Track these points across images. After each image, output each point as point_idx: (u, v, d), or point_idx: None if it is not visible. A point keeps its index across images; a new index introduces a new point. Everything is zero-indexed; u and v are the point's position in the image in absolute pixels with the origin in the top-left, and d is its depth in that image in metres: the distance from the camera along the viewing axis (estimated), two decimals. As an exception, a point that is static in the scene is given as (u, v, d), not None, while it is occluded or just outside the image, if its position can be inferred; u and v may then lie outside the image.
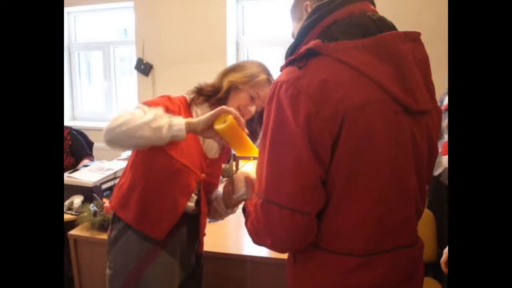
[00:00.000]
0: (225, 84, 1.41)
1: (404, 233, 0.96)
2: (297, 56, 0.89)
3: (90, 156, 2.79)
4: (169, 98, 1.39)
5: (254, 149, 1.29)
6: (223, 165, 1.57)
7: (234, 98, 1.40)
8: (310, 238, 0.92)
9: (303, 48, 0.89)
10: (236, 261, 1.75)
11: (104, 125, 1.25)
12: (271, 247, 0.96)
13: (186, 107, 1.41)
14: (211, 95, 1.42)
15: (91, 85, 4.43)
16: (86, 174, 2.24)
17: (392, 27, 0.94)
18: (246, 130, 1.28)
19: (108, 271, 1.43)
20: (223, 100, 1.40)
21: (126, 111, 1.28)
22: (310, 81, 0.84)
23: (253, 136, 1.44)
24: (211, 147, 1.46)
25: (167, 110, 1.31)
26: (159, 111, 1.28)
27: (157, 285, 1.39)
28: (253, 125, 1.48)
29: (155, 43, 3.52)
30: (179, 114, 1.33)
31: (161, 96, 1.38)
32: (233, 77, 1.40)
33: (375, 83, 0.85)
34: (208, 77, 3.53)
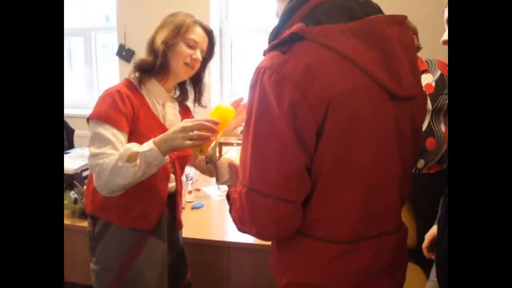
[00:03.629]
0: (158, 48, 1.36)
1: (389, 220, 0.96)
2: (280, 41, 0.86)
3: None
4: (118, 93, 1.30)
5: None
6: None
7: (175, 57, 1.37)
8: (296, 226, 0.91)
9: (287, 32, 0.85)
10: (219, 248, 1.76)
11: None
12: (256, 235, 0.95)
13: (135, 92, 1.36)
14: (152, 67, 1.37)
15: (72, 71, 4.34)
16: (66, 161, 2.21)
17: (378, 9, 0.92)
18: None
19: (94, 267, 1.39)
20: (166, 65, 1.37)
21: (97, 164, 1.22)
22: (294, 66, 0.82)
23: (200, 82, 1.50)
24: (173, 124, 1.40)
25: (126, 117, 1.28)
26: (128, 149, 1.21)
27: (149, 272, 1.38)
28: (201, 73, 1.50)
29: (137, 29, 3.46)
30: (133, 109, 1.31)
31: (109, 95, 1.30)
32: (162, 38, 1.36)
33: (361, 69, 0.84)
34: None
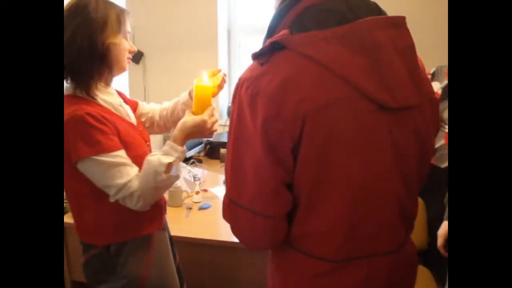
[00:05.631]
0: (104, 52, 1.22)
1: (384, 239, 0.90)
2: (261, 50, 0.82)
3: None
4: (89, 116, 1.17)
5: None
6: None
7: (120, 55, 1.27)
8: (277, 239, 0.90)
9: (268, 41, 0.81)
10: (227, 248, 1.76)
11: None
12: (243, 244, 0.95)
13: (95, 106, 1.23)
14: (97, 74, 1.25)
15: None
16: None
17: (374, 10, 0.84)
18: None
19: (115, 284, 1.31)
20: (111, 66, 1.27)
21: (132, 192, 1.19)
22: (270, 80, 0.78)
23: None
24: (133, 118, 1.40)
25: (114, 135, 1.21)
26: (162, 164, 1.21)
27: (166, 266, 1.39)
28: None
29: (146, 30, 3.48)
30: (110, 122, 1.22)
31: (81, 123, 1.16)
32: (107, 39, 1.22)
33: (344, 80, 0.77)
34: (199, 64, 3.50)
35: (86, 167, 1.19)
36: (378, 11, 0.85)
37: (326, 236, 0.86)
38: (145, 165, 1.22)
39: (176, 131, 1.28)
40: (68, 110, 1.17)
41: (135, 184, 1.20)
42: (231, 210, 0.89)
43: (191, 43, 3.31)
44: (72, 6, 1.21)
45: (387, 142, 0.82)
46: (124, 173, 1.19)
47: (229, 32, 3.43)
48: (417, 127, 0.87)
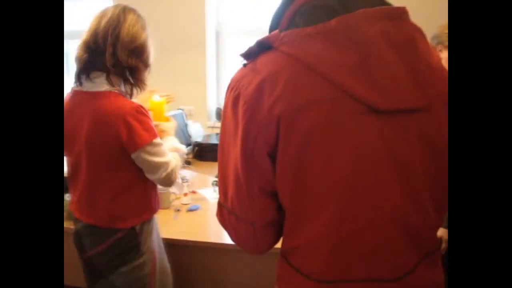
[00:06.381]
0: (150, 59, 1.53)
1: (381, 262, 0.77)
2: (247, 51, 0.79)
3: None
4: (143, 107, 1.39)
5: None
6: None
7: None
8: (263, 246, 0.88)
9: (255, 43, 0.78)
10: (217, 250, 1.76)
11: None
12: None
13: (131, 100, 1.41)
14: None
15: (69, 76, 4.34)
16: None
17: (369, 2, 0.74)
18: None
19: (138, 262, 1.45)
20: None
21: (175, 167, 1.47)
22: (250, 81, 0.74)
23: None
24: None
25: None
26: (170, 151, 1.51)
27: (159, 237, 1.60)
28: None
29: (134, 32, 3.47)
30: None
31: (142, 114, 1.37)
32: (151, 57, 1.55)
33: (327, 79, 0.70)
34: (186, 66, 3.48)
35: (144, 153, 1.37)
36: (377, 4, 0.75)
37: (309, 252, 0.79)
38: (170, 147, 1.52)
39: (168, 132, 1.61)
40: (121, 104, 1.34)
41: (173, 161, 1.46)
42: (220, 211, 0.89)
43: (179, 45, 3.30)
44: (139, 17, 1.53)
45: (379, 148, 0.72)
46: (166, 152, 1.44)
47: (217, 34, 3.43)
48: (424, 133, 0.75)
